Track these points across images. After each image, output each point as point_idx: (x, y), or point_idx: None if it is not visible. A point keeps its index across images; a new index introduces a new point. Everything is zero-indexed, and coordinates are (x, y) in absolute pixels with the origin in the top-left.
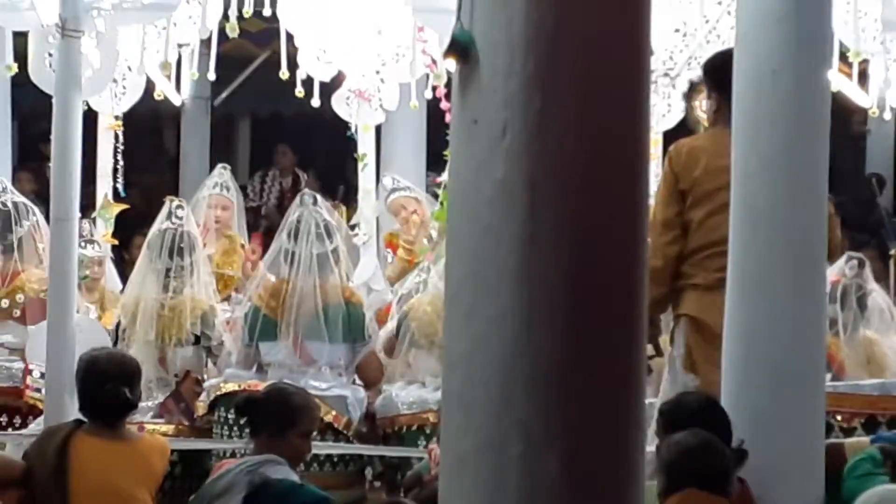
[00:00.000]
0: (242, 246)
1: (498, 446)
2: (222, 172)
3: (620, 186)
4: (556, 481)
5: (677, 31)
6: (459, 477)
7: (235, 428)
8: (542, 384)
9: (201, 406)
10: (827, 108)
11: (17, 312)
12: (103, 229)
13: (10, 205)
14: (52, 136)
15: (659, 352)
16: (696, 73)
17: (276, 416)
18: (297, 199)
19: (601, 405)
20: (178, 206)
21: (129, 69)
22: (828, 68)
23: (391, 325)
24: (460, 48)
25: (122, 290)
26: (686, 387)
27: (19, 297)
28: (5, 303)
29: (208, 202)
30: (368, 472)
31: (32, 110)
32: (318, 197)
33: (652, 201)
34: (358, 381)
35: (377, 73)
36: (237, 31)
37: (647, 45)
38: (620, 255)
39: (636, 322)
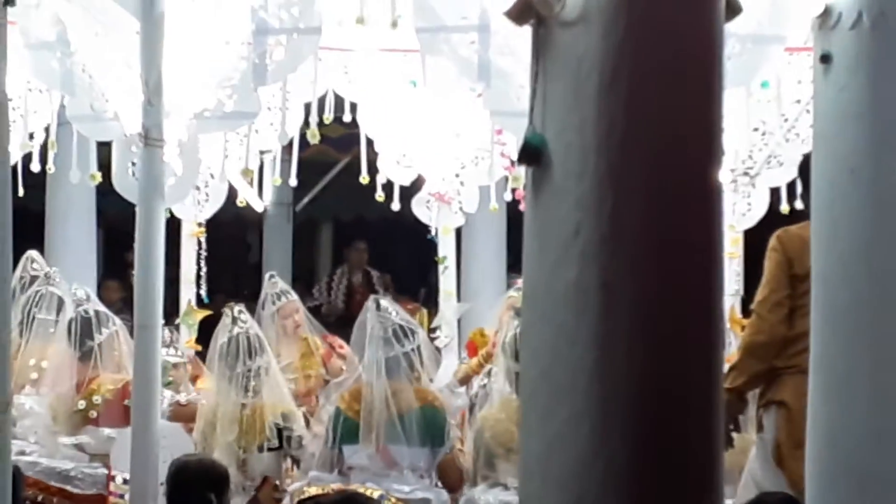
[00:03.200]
0: (331, 346)
1: None
2: (274, 282)
3: (695, 288)
4: None
5: (756, 129)
6: None
7: None
8: (618, 488)
9: None
10: None
11: (94, 414)
12: (187, 336)
13: (91, 312)
14: (136, 244)
15: (737, 426)
16: (776, 171)
17: None
18: (367, 303)
19: None
20: (241, 311)
21: (212, 176)
22: None
23: (468, 445)
24: (532, 151)
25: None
26: (769, 481)
27: (96, 399)
28: (82, 404)
29: (280, 314)
30: None
31: (117, 219)
32: (383, 301)
33: (728, 301)
34: (440, 485)
35: (457, 176)
36: (318, 137)
37: (719, 145)
38: (696, 358)
39: (714, 425)
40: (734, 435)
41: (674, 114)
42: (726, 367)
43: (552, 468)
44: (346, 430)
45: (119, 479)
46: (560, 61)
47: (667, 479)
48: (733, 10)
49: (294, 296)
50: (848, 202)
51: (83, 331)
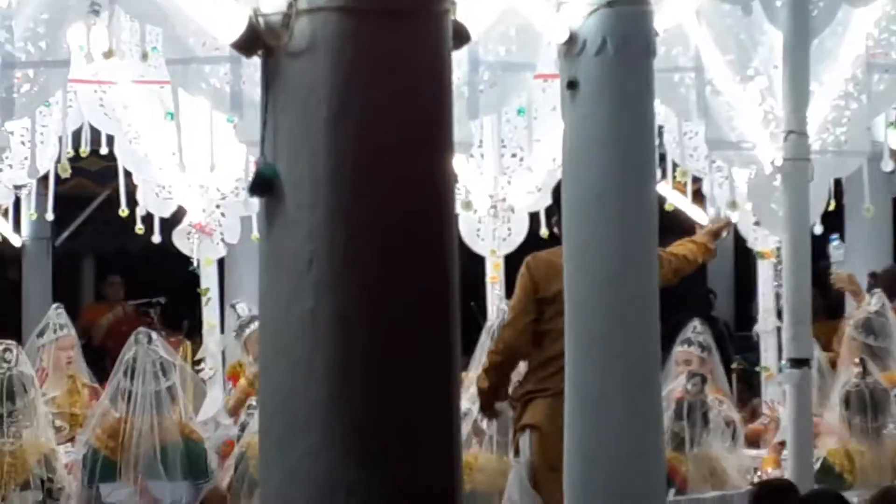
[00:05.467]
0: (85, 385)
1: None
2: (60, 313)
3: (430, 315)
4: None
5: (514, 156)
6: None
7: None
8: None
9: None
10: (654, 226)
11: None
12: None
13: None
14: None
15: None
16: (535, 196)
17: None
18: (133, 337)
19: None
20: (6, 350)
21: None
22: (652, 188)
23: (231, 461)
24: (264, 182)
25: None
26: None
27: None
28: None
29: (57, 344)
30: None
31: None
32: (153, 334)
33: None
34: None
35: (217, 207)
36: (69, 171)
37: (451, 172)
38: (431, 386)
39: (452, 449)
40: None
41: (404, 143)
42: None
43: (292, 501)
44: (103, 467)
45: None
46: (290, 92)
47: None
48: (461, 38)
49: (73, 330)
50: (596, 227)
51: None
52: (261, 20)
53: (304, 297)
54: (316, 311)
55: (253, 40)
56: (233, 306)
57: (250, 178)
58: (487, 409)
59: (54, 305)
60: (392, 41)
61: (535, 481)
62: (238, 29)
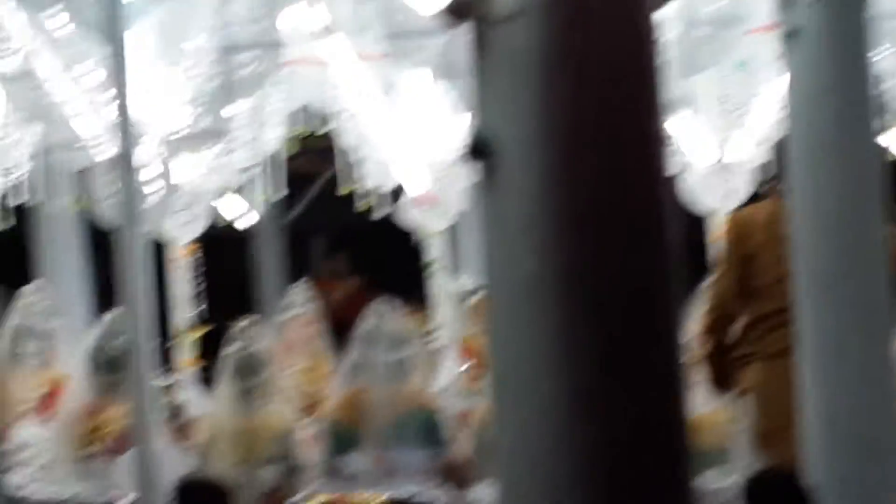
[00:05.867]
0: (324, 360)
1: None
2: (300, 290)
3: (652, 272)
4: None
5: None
6: None
7: None
8: (592, 473)
9: None
10: (878, 172)
11: (102, 447)
12: (186, 355)
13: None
14: (119, 267)
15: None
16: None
17: None
18: (369, 308)
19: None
20: (245, 327)
21: (195, 196)
22: (877, 134)
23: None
24: (479, 146)
25: None
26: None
27: (103, 433)
28: (90, 437)
29: (298, 321)
30: None
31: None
32: (390, 305)
33: None
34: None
35: (440, 178)
36: (293, 151)
37: (662, 127)
38: (658, 343)
39: (680, 404)
40: None
41: (616, 103)
42: None
43: (527, 457)
44: (342, 439)
45: (123, 502)
46: (501, 57)
47: (639, 462)
48: None
49: (312, 307)
50: (822, 175)
51: (99, 361)
52: None
53: (527, 260)
54: (539, 273)
55: (462, 8)
56: (458, 277)
57: (466, 145)
58: (717, 376)
59: (296, 282)
60: (598, 2)
61: (759, 445)
62: None
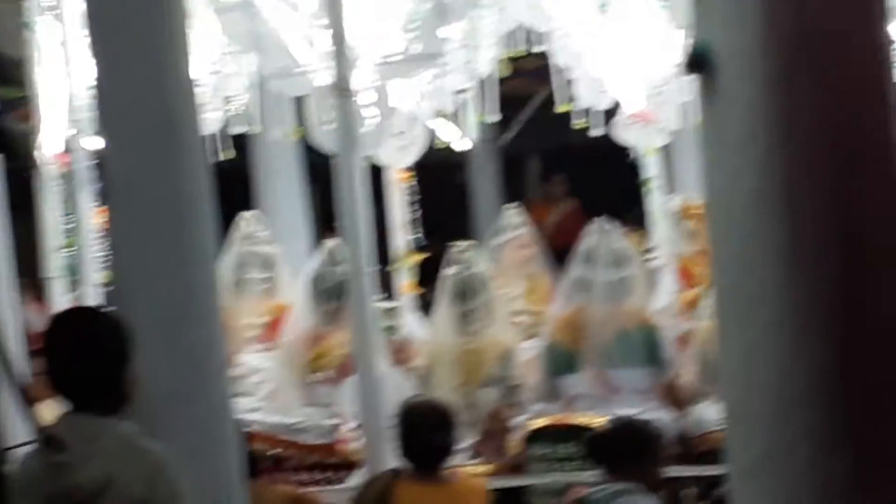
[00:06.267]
0: (544, 282)
1: (784, 454)
2: (516, 212)
3: (877, 185)
4: (845, 487)
5: None
6: (747, 487)
7: (551, 462)
8: (823, 389)
9: (514, 444)
10: None
11: (329, 374)
12: (404, 282)
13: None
14: (337, 194)
15: None
16: None
17: (631, 449)
18: (590, 226)
19: (884, 406)
20: (462, 251)
21: (410, 121)
22: None
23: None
24: (699, 59)
25: None
26: None
27: (328, 361)
28: (315, 364)
29: (514, 243)
30: (688, 493)
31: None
32: (609, 224)
33: None
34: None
35: (658, 94)
36: (508, 72)
37: (885, 36)
38: (886, 254)
39: None
40: None
41: (837, 11)
42: None
43: (754, 375)
44: (562, 360)
45: (348, 426)
46: None
47: (871, 378)
48: None
49: (528, 229)
50: None
51: (320, 289)
52: None
53: (749, 172)
54: (762, 185)
55: None
56: (675, 195)
57: (684, 57)
58: None
59: (510, 205)
60: None
61: None
62: None
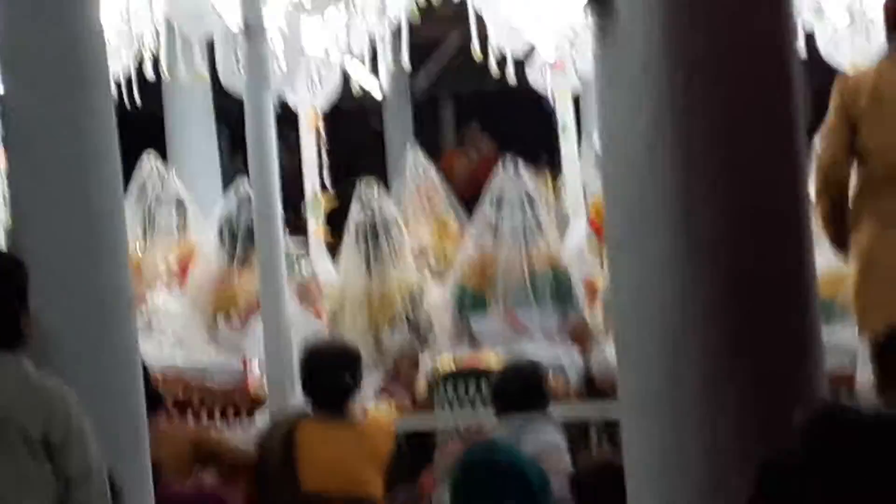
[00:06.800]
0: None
1: (672, 388)
2: (416, 155)
3: (771, 116)
4: (733, 419)
5: None
6: (638, 422)
7: (459, 402)
8: (711, 322)
9: (422, 384)
10: None
11: (235, 320)
12: (314, 226)
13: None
14: (247, 137)
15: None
16: None
17: (520, 390)
18: (499, 168)
19: (771, 338)
20: (369, 192)
21: (326, 64)
22: None
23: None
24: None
25: None
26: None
27: (235, 308)
28: (223, 308)
29: (418, 189)
30: (593, 432)
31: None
32: (520, 165)
33: None
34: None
35: (570, 43)
36: (418, 17)
37: None
38: (775, 187)
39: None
40: None
41: None
42: None
43: (643, 309)
44: (471, 300)
45: (255, 369)
46: None
47: (759, 309)
48: None
49: (432, 173)
50: None
51: (231, 231)
52: None
53: (644, 109)
54: (657, 122)
55: None
56: (586, 139)
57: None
58: (834, 235)
59: (410, 149)
60: None
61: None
62: None
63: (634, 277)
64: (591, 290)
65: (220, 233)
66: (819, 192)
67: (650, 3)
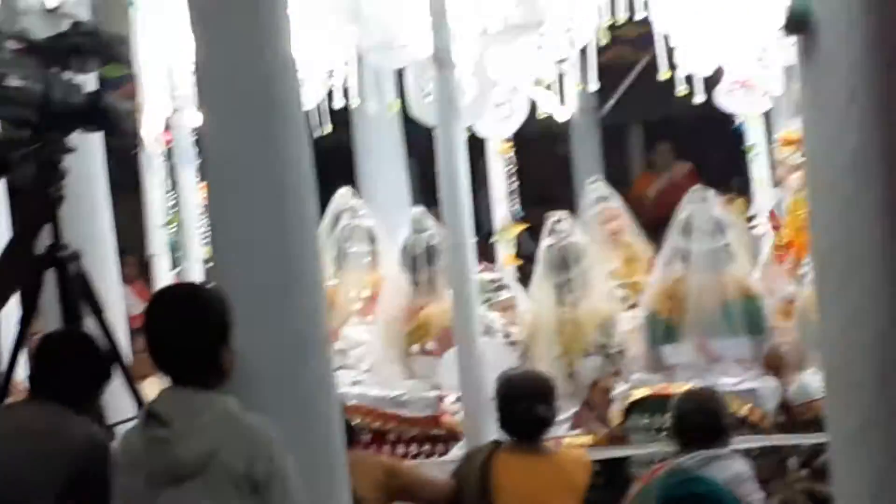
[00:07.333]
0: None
1: (884, 421)
2: (597, 186)
3: None
4: None
5: None
6: (847, 455)
7: (652, 433)
8: None
9: (615, 414)
10: None
11: (430, 346)
12: (505, 252)
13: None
14: (439, 166)
15: None
16: None
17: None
18: (687, 195)
19: None
20: (558, 221)
21: (510, 91)
22: None
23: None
24: (798, 19)
25: None
26: None
27: (428, 332)
28: (415, 335)
29: (601, 217)
30: (791, 462)
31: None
32: (709, 192)
33: None
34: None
35: (759, 59)
36: (608, 39)
37: None
38: None
39: None
40: None
41: None
42: None
43: (854, 340)
44: (663, 330)
45: (450, 399)
46: None
47: None
48: None
49: (615, 201)
50: None
51: (417, 258)
52: None
53: (848, 135)
54: (861, 148)
55: None
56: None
57: (784, 20)
58: None
59: (590, 179)
60: None
61: None
62: None
63: (845, 306)
64: (785, 313)
65: (402, 259)
66: None
67: (852, 35)
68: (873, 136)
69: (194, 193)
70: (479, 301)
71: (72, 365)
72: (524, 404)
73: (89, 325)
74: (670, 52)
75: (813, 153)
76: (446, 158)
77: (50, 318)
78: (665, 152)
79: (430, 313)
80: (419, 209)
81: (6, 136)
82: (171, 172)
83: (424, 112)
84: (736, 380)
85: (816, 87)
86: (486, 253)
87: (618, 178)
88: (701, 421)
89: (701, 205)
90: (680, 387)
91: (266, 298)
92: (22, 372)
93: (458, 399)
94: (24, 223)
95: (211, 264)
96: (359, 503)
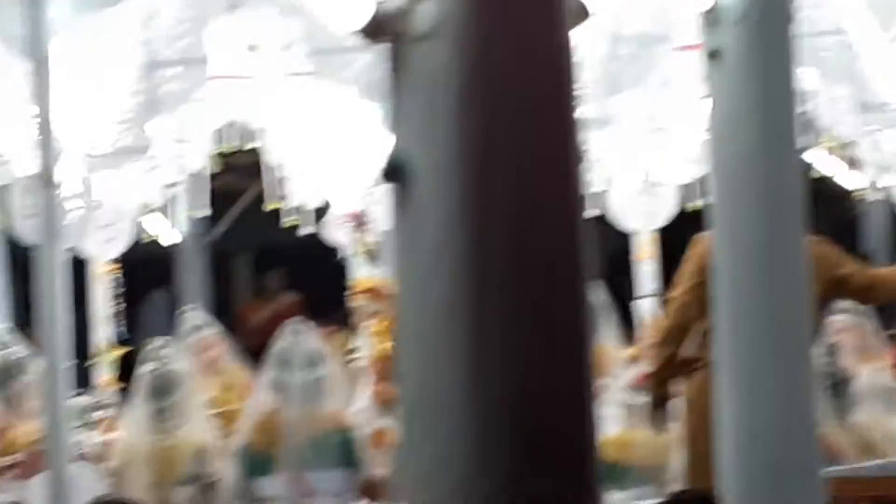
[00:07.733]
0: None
1: None
2: (193, 315)
3: (563, 298)
4: None
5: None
6: None
7: None
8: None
9: None
10: (800, 195)
11: (15, 469)
12: (106, 375)
13: (13, 356)
14: (38, 287)
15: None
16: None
17: None
18: (284, 327)
19: None
20: (160, 347)
21: (117, 214)
22: (798, 156)
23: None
24: (395, 169)
25: None
26: None
27: (15, 455)
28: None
29: (199, 346)
30: None
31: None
32: (305, 324)
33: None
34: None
35: (368, 195)
36: (217, 168)
37: (578, 151)
38: (567, 363)
39: (588, 422)
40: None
41: (531, 123)
42: None
43: (437, 487)
44: (256, 461)
45: None
46: (417, 77)
47: (550, 485)
48: (580, 15)
49: (213, 328)
50: (743, 197)
51: (4, 375)
52: (387, 5)
53: (438, 282)
54: (449, 298)
55: (380, 26)
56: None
57: (382, 167)
58: (657, 393)
59: (189, 306)
60: (514, 25)
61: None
62: (365, 15)
63: (427, 452)
64: (379, 443)
65: None
66: (663, 341)
67: (446, 180)
68: (460, 286)
69: None
70: (72, 425)
71: None
72: None
73: None
74: (280, 182)
75: (402, 299)
76: (45, 279)
77: None
78: (274, 281)
79: (17, 434)
80: (4, 326)
81: None
82: None
83: (27, 230)
84: None
85: (409, 235)
86: (85, 375)
87: (224, 304)
88: None
89: (296, 337)
90: None
91: None
92: None
93: None
94: None
95: None
96: None
